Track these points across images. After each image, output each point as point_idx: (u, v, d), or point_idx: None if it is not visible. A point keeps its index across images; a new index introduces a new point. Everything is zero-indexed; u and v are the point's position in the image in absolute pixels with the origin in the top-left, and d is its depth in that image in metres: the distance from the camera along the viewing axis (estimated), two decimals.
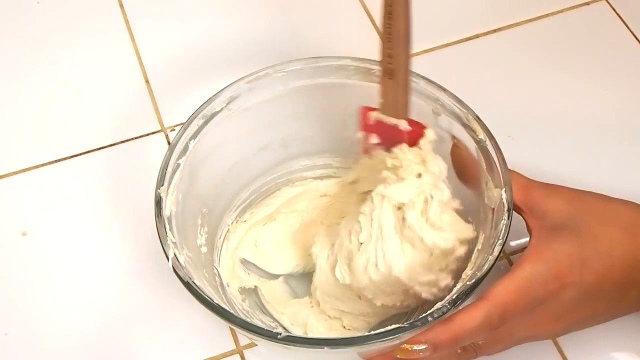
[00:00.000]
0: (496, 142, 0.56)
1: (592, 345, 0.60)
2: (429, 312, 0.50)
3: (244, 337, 0.61)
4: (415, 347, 0.50)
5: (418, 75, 0.59)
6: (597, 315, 0.55)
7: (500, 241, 0.52)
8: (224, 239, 0.63)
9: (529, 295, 0.51)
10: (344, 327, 0.59)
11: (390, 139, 0.57)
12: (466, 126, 0.57)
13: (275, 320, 0.60)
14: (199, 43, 0.77)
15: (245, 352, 0.61)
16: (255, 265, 0.63)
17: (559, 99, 0.73)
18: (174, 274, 0.52)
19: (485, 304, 0.50)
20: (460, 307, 0.51)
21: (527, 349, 0.59)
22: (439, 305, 0.50)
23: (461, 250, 0.54)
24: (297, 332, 0.59)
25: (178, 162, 0.56)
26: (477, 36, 0.77)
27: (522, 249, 0.65)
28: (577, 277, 0.52)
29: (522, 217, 0.56)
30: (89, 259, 0.65)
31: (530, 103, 0.73)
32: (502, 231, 0.52)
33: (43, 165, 0.70)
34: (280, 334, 0.49)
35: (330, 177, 0.65)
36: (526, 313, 0.52)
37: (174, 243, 0.53)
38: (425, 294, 0.55)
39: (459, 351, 0.53)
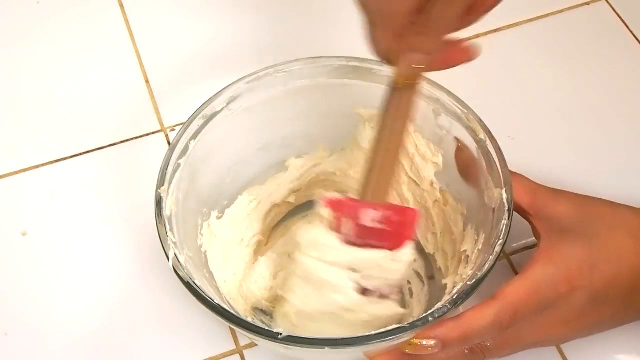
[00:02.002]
0: (496, 142, 0.56)
1: (594, 348, 0.60)
2: (429, 312, 0.50)
3: (244, 337, 0.61)
4: (424, 342, 0.50)
5: None
6: (604, 321, 0.55)
7: (500, 241, 0.52)
8: None
9: (539, 297, 0.51)
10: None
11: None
12: (466, 126, 0.57)
13: (274, 319, 0.60)
14: (199, 43, 0.77)
15: (245, 352, 0.61)
16: None
17: (559, 99, 0.73)
18: (174, 274, 0.52)
19: (496, 303, 0.50)
20: (460, 307, 0.51)
21: (530, 351, 0.59)
22: (439, 305, 0.50)
23: None
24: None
25: (178, 162, 0.56)
26: (477, 36, 0.77)
27: (522, 249, 0.65)
28: (587, 281, 0.52)
29: (530, 220, 0.56)
30: (89, 259, 0.65)
31: (530, 103, 0.73)
32: (503, 231, 0.53)
33: (43, 165, 0.70)
34: (281, 334, 0.49)
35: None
36: (536, 315, 0.52)
37: (175, 243, 0.53)
38: None
39: (466, 351, 0.53)
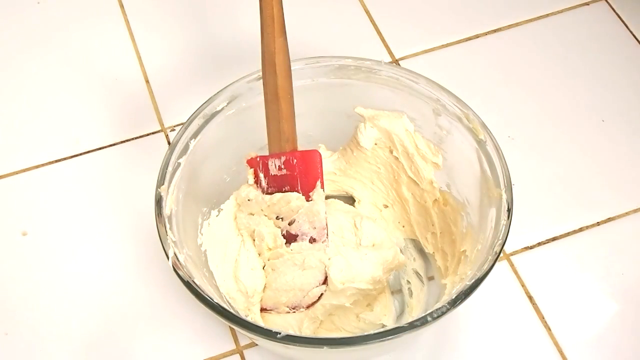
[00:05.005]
0: (496, 142, 0.56)
1: (594, 349, 0.60)
2: (428, 312, 0.50)
3: (244, 337, 0.61)
4: None
5: (418, 75, 0.59)
6: None
7: (500, 241, 0.52)
8: None
9: None
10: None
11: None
12: (466, 126, 0.57)
13: None
14: (199, 43, 0.77)
15: (245, 352, 0.61)
16: None
17: (559, 99, 0.73)
18: (174, 273, 0.52)
19: None
20: (459, 307, 0.50)
21: (530, 351, 0.59)
22: (438, 305, 0.50)
23: None
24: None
25: (178, 161, 0.56)
26: (477, 36, 0.77)
27: (522, 249, 0.65)
28: None
29: None
30: (89, 258, 0.65)
31: (530, 103, 0.73)
32: (502, 231, 0.53)
33: (43, 165, 0.70)
34: (280, 333, 0.49)
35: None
36: None
37: (174, 242, 0.53)
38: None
39: None
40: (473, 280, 0.51)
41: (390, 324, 0.59)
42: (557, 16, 0.78)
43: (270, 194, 0.59)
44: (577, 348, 0.60)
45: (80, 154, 0.70)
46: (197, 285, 0.51)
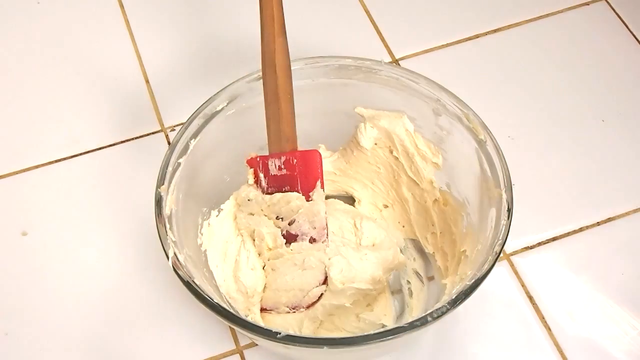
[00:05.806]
0: (496, 142, 0.56)
1: (594, 348, 0.60)
2: (428, 312, 0.50)
3: (244, 337, 0.61)
4: None
5: (418, 75, 0.59)
6: None
7: (500, 241, 0.52)
8: None
9: None
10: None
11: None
12: (467, 126, 0.57)
13: None
14: (199, 43, 0.77)
15: (245, 352, 0.61)
16: None
17: (559, 99, 0.73)
18: (174, 273, 0.52)
19: None
20: (460, 308, 0.50)
21: (530, 351, 0.59)
22: (438, 305, 0.50)
23: None
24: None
25: (178, 161, 0.56)
26: (477, 36, 0.77)
27: (522, 249, 0.65)
28: None
29: None
30: (89, 258, 0.65)
31: (530, 103, 0.73)
32: (502, 231, 0.53)
33: (43, 165, 0.70)
34: (280, 333, 0.49)
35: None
36: None
37: (174, 242, 0.53)
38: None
39: None
40: (473, 280, 0.51)
41: (390, 324, 0.59)
42: (557, 16, 0.78)
43: (270, 194, 0.59)
44: (577, 348, 0.60)
45: (80, 154, 0.70)
46: (197, 285, 0.51)
